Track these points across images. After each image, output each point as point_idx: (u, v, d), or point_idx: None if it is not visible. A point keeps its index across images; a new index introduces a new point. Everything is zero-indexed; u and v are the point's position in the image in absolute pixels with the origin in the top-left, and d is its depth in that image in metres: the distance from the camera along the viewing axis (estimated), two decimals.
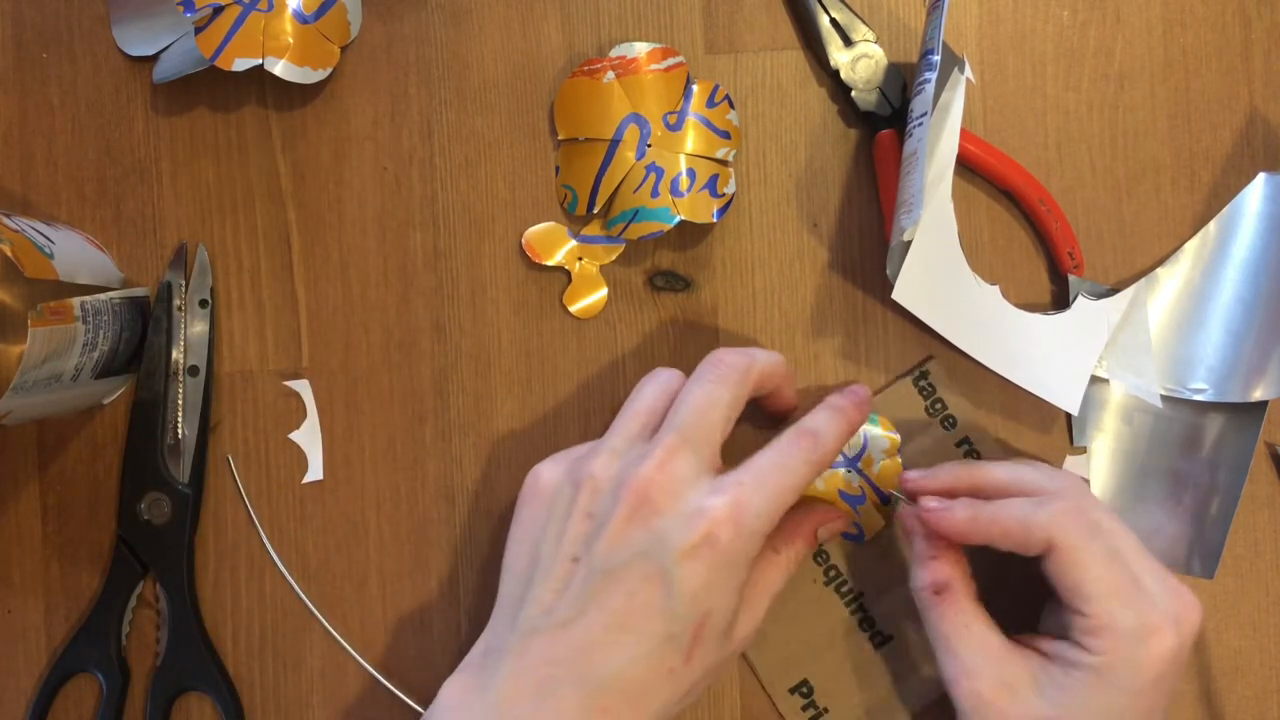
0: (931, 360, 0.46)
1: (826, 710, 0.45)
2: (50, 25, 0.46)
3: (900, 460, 0.44)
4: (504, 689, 0.36)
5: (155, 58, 0.46)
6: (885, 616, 0.45)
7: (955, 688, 0.39)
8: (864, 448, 0.41)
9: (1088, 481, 0.46)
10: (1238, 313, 0.45)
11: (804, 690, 0.45)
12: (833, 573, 0.45)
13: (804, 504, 0.42)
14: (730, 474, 0.37)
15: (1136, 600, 0.37)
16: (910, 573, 0.41)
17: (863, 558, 0.45)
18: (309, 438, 0.46)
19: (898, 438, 0.42)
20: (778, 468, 0.38)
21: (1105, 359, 0.45)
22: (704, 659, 0.37)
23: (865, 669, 0.45)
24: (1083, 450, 0.46)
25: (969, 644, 0.39)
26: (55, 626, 0.45)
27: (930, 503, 0.40)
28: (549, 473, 0.40)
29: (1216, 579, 0.45)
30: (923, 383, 0.46)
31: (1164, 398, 0.45)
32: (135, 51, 0.46)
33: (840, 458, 0.41)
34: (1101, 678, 0.36)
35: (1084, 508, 0.38)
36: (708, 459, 0.38)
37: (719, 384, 0.39)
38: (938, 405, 0.46)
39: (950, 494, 0.40)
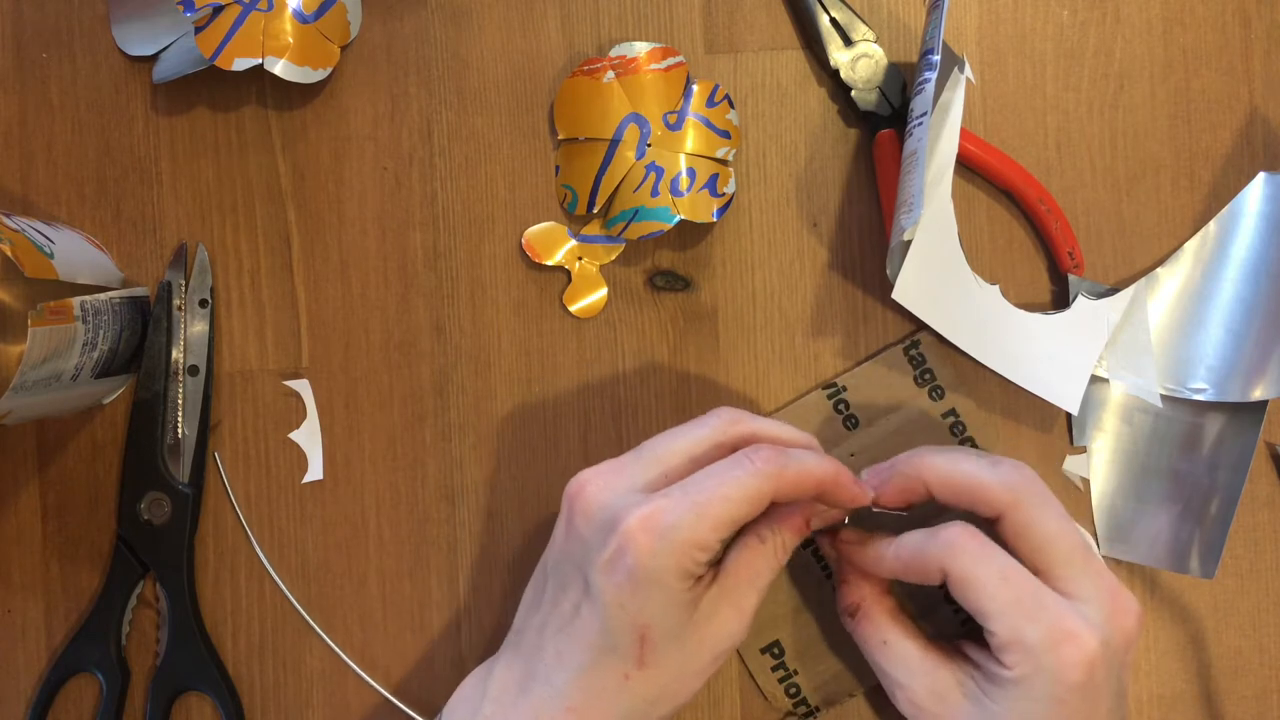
0: (922, 332, 0.46)
1: (796, 672, 0.45)
2: (50, 25, 0.46)
3: None
4: (496, 682, 0.38)
5: (155, 58, 0.46)
6: None
7: (893, 698, 0.40)
8: None
9: (1087, 481, 0.46)
10: (1238, 312, 0.45)
11: (775, 651, 0.45)
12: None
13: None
14: (664, 489, 0.37)
15: (1042, 610, 0.36)
16: None
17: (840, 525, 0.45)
18: (309, 438, 0.46)
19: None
20: (713, 478, 0.36)
21: (1105, 359, 0.45)
22: (666, 663, 0.37)
23: (838, 635, 0.45)
24: (1083, 450, 0.46)
25: (890, 659, 0.40)
26: (55, 626, 0.45)
27: (850, 534, 0.41)
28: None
29: (1216, 579, 0.45)
30: (913, 352, 0.46)
31: (1164, 398, 0.45)
32: (135, 51, 0.46)
33: None
34: (1021, 689, 0.36)
35: (1030, 517, 0.37)
36: (650, 480, 0.37)
37: (752, 476, 0.36)
38: (926, 375, 0.46)
39: (905, 494, 0.40)
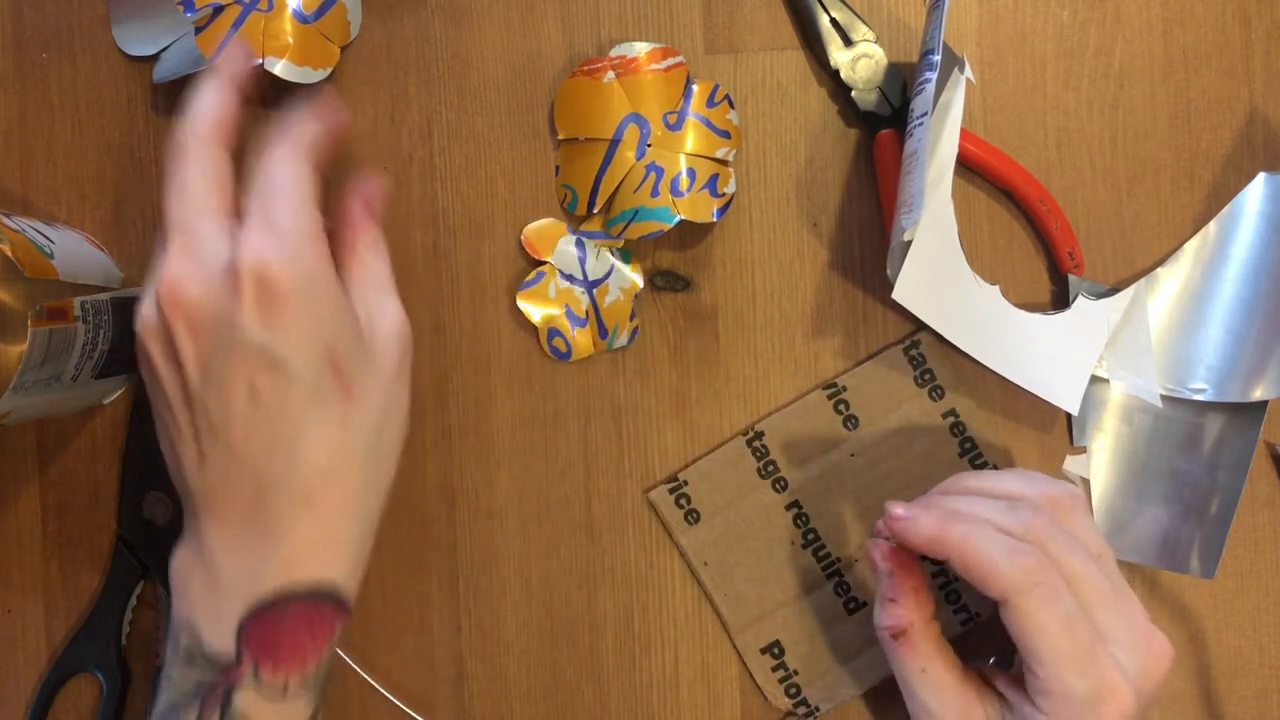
0: (922, 332, 0.46)
1: (796, 672, 0.45)
2: (50, 25, 0.46)
3: (631, 308, 0.41)
4: (218, 551, 0.36)
5: (155, 58, 0.46)
6: (860, 583, 0.45)
7: None
8: (608, 274, 0.40)
9: (1087, 482, 0.46)
10: (1238, 313, 0.45)
11: (775, 651, 0.45)
12: (810, 536, 0.45)
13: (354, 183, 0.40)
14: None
15: (1092, 665, 0.35)
16: (874, 610, 0.40)
17: (840, 524, 0.45)
18: None
19: (639, 283, 0.40)
20: (272, 180, 0.35)
21: (1105, 359, 0.45)
22: (367, 384, 0.35)
23: (838, 634, 0.45)
24: (1083, 450, 0.46)
25: (925, 687, 0.39)
26: (55, 626, 0.45)
27: (897, 509, 0.38)
28: None
29: (1216, 579, 0.45)
30: (913, 352, 0.46)
31: (1164, 398, 0.45)
32: (135, 51, 0.46)
33: (582, 276, 0.40)
34: None
35: (1054, 560, 0.36)
36: (213, 231, 0.35)
37: (178, 172, 0.36)
38: (926, 375, 0.46)
39: (933, 546, 0.38)
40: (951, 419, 0.46)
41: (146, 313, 0.35)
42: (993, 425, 0.46)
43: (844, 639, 0.45)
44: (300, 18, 0.44)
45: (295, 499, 0.34)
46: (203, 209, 0.35)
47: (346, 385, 0.35)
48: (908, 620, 0.39)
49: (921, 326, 0.45)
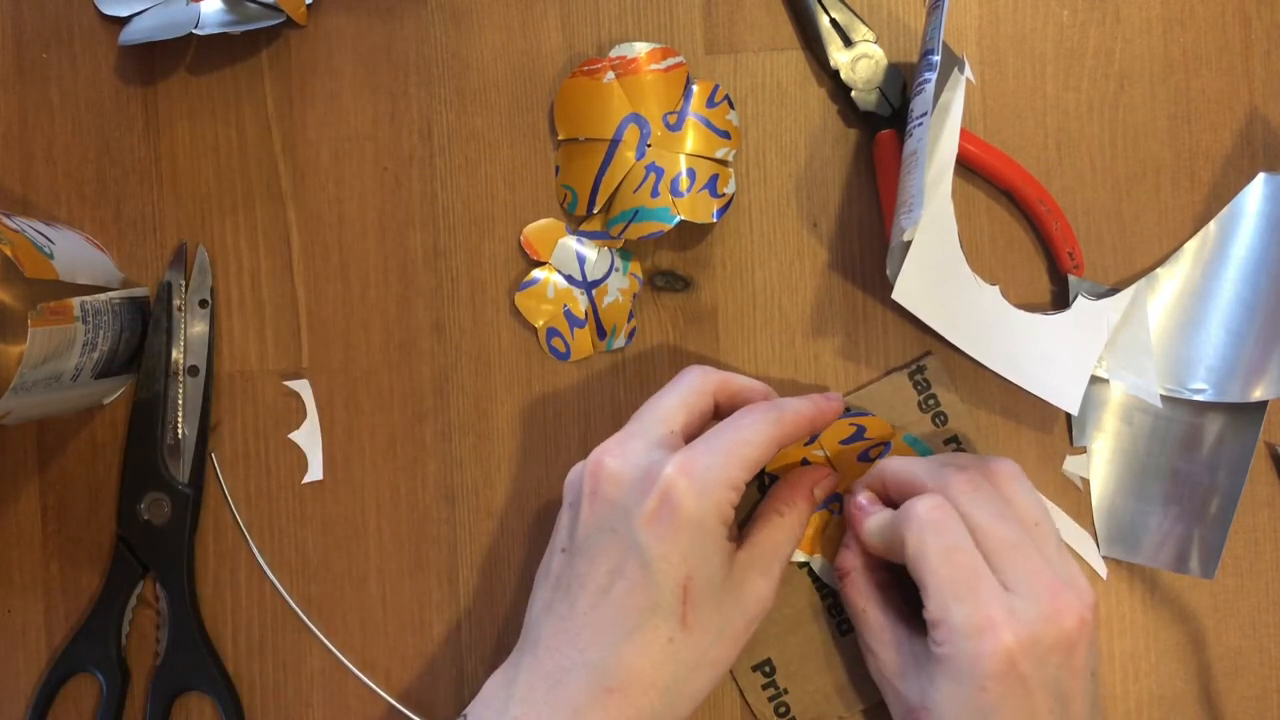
0: (929, 356, 0.46)
1: (786, 691, 0.45)
2: (50, 25, 0.46)
3: (630, 309, 0.43)
4: (522, 681, 0.38)
5: (130, 20, 0.46)
6: None
7: (867, 663, 0.42)
8: (607, 275, 0.41)
9: (1086, 483, 0.46)
10: (1238, 313, 0.45)
11: (766, 669, 0.45)
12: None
13: (798, 469, 0.44)
14: (688, 444, 0.39)
15: (974, 596, 0.37)
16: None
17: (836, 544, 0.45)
18: (309, 438, 0.46)
19: (638, 284, 0.42)
20: (730, 428, 0.39)
21: (1105, 359, 0.45)
22: (706, 624, 0.37)
23: (829, 655, 0.45)
24: (1083, 450, 0.46)
25: (866, 626, 0.41)
26: (55, 626, 0.45)
27: (862, 499, 0.42)
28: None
29: (1216, 579, 0.45)
30: (918, 377, 0.46)
31: (1164, 398, 0.45)
32: (111, 11, 0.46)
33: (581, 277, 0.41)
34: (947, 670, 0.37)
35: (949, 502, 0.38)
36: (662, 438, 0.39)
37: (763, 424, 0.39)
38: (930, 401, 0.46)
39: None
40: (954, 445, 0.46)
41: (576, 468, 0.40)
42: (995, 448, 0.46)
43: (835, 661, 0.45)
44: None
45: (593, 684, 0.37)
46: (660, 419, 0.39)
47: (687, 614, 0.37)
48: (852, 563, 0.42)
49: (925, 338, 0.45)
